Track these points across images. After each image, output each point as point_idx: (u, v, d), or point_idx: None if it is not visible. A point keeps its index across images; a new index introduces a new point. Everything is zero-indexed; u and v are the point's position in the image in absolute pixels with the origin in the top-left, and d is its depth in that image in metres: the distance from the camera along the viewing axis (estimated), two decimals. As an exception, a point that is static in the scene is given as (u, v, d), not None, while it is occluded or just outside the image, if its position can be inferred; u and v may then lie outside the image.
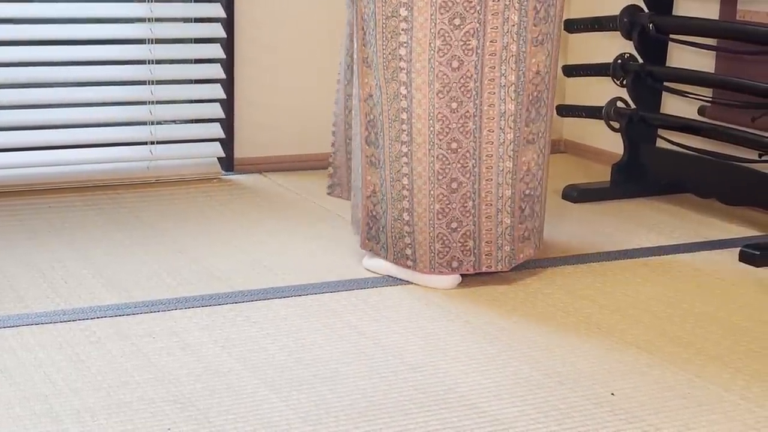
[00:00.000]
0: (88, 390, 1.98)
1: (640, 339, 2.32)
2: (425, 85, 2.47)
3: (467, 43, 2.45)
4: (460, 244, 2.55)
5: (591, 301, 2.55)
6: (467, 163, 2.52)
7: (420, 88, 2.47)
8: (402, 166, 2.53)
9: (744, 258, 2.89)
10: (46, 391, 1.98)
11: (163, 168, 3.57)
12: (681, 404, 2.01)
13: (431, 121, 2.49)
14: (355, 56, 2.59)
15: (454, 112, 2.48)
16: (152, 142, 3.55)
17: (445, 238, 2.54)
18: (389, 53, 2.48)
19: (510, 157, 2.55)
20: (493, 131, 2.52)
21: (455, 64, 2.46)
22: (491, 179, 2.54)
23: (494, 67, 2.48)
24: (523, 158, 2.58)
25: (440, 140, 2.49)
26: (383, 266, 2.67)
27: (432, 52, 2.45)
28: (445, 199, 2.52)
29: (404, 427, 1.88)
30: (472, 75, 2.47)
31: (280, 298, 2.50)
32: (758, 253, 2.87)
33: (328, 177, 2.92)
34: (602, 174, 3.70)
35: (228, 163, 3.68)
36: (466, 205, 2.53)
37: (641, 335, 2.34)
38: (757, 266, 2.85)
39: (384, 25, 2.47)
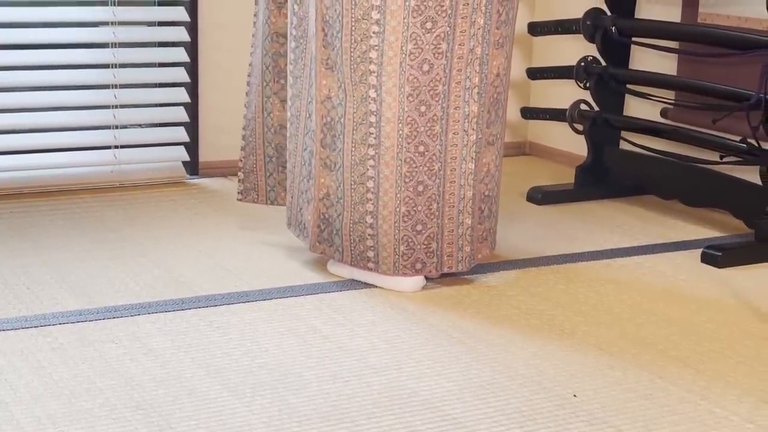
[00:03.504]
0: (49, 397, 1.97)
1: (602, 340, 2.33)
2: (396, 89, 2.47)
3: (438, 46, 2.46)
4: (424, 246, 2.56)
5: (554, 303, 2.57)
6: (434, 165, 2.52)
7: (390, 91, 2.47)
8: (367, 169, 2.53)
9: (706, 259, 2.91)
10: (7, 398, 1.96)
11: (128, 172, 3.56)
12: (642, 405, 2.02)
13: (400, 125, 2.49)
14: (311, 57, 2.58)
15: (422, 116, 2.49)
16: (116, 146, 3.54)
17: (410, 240, 2.55)
18: (358, 56, 2.47)
19: (472, 158, 2.56)
20: (457, 133, 2.53)
21: (426, 67, 2.46)
22: (454, 181, 2.55)
23: (461, 70, 2.50)
24: (483, 159, 2.60)
25: (408, 144, 2.50)
26: (348, 270, 2.67)
27: (403, 55, 2.45)
28: (411, 201, 2.53)
29: (368, 430, 1.89)
30: (441, 78, 2.48)
31: (244, 302, 2.49)
32: (720, 254, 2.89)
33: (238, 182, 2.94)
34: (566, 176, 3.71)
35: (193, 166, 3.67)
36: (431, 207, 2.54)
37: (603, 337, 2.36)
38: (719, 267, 2.87)
39: (353, 28, 2.46)
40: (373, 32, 2.45)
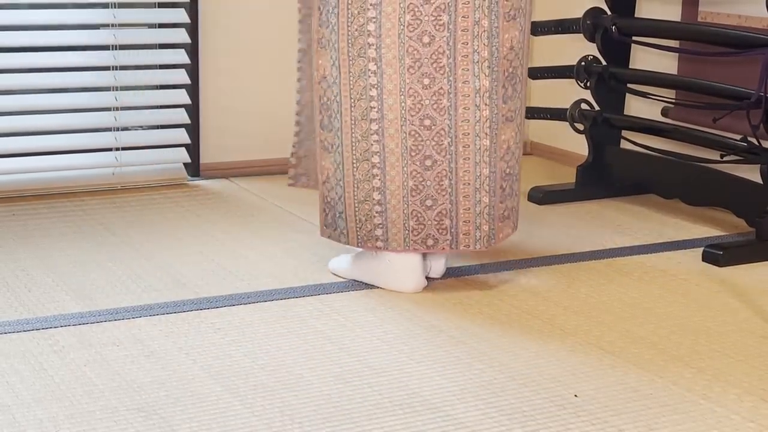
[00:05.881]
0: (51, 400, 1.97)
1: (603, 340, 2.33)
2: (396, 60, 2.46)
3: (438, 18, 2.45)
4: (435, 222, 2.55)
5: (555, 302, 2.57)
6: (442, 141, 2.51)
7: (391, 63, 2.46)
8: (371, 145, 2.51)
9: (707, 258, 2.91)
10: (8, 401, 1.97)
11: (129, 174, 3.56)
12: (643, 405, 2.02)
13: (402, 97, 2.48)
14: (311, 37, 2.58)
15: (426, 89, 2.48)
16: (117, 149, 3.54)
17: (419, 215, 2.54)
18: (356, 29, 2.46)
19: (487, 134, 2.54)
20: (468, 108, 2.52)
21: (426, 39, 2.46)
22: (468, 158, 2.54)
23: (467, 43, 2.48)
24: (502, 136, 2.58)
25: (412, 116, 2.49)
26: (348, 271, 2.67)
27: (402, 27, 2.45)
28: (418, 176, 2.52)
29: (369, 431, 1.89)
30: (444, 51, 2.47)
31: (245, 304, 2.50)
32: (721, 253, 2.89)
33: (290, 168, 2.83)
34: (567, 175, 3.72)
35: (194, 168, 3.68)
36: (441, 183, 2.53)
37: (604, 336, 2.36)
38: (720, 266, 2.87)
39: (349, 3, 2.46)
40: (371, 4, 2.44)
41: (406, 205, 2.54)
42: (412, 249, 2.56)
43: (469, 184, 2.55)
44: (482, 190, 2.56)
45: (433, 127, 2.50)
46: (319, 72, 2.56)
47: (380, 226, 2.56)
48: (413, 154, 2.51)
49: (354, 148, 2.53)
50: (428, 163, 2.52)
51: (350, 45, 2.48)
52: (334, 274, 2.70)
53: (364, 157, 2.53)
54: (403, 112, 2.49)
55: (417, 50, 2.46)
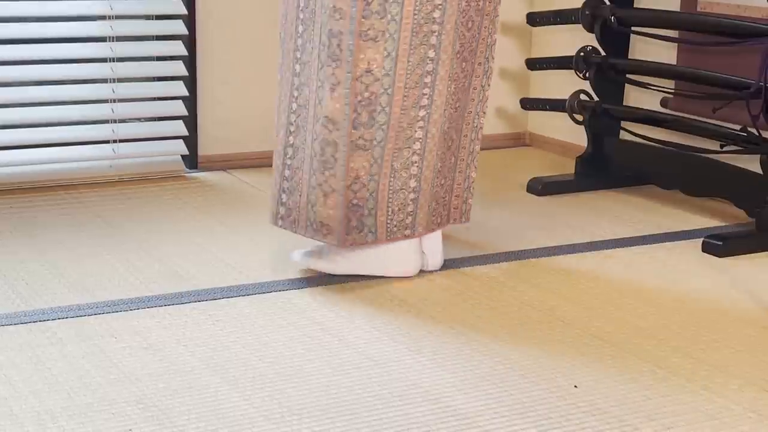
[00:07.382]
0: (48, 392, 1.97)
1: (602, 331, 2.33)
2: (450, 47, 2.49)
3: (478, 3, 2.53)
4: (443, 199, 2.60)
5: (554, 293, 2.56)
6: (459, 121, 2.58)
7: (446, 49, 2.49)
8: (415, 132, 2.50)
9: (707, 249, 2.91)
10: (5, 393, 1.96)
11: (126, 166, 3.55)
12: (643, 395, 2.01)
13: (449, 82, 2.52)
14: (347, 31, 2.41)
15: (463, 71, 2.54)
16: (115, 141, 3.53)
17: (438, 195, 2.59)
18: (422, 17, 2.44)
19: (484, 113, 2.64)
20: (476, 89, 2.60)
21: (470, 24, 2.52)
22: (467, 135, 2.61)
23: (487, 27, 2.57)
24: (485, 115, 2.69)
25: (452, 100, 2.54)
26: (334, 266, 2.60)
27: (459, 13, 2.49)
28: (443, 156, 2.57)
29: (368, 422, 1.88)
30: (475, 36, 2.54)
31: (243, 295, 2.49)
32: (721, 243, 2.88)
33: (280, 205, 2.61)
34: (566, 167, 3.71)
35: (192, 160, 3.67)
36: (450, 160, 2.59)
37: (604, 327, 2.35)
38: (720, 257, 2.87)
39: None
40: None
41: (432, 188, 2.57)
42: (431, 230, 2.60)
43: (463, 160, 2.62)
44: (472, 165, 2.65)
45: (459, 109, 2.56)
46: (361, 66, 2.41)
47: (411, 213, 2.55)
48: (445, 137, 2.56)
49: (397, 138, 2.48)
50: (449, 143, 2.57)
51: (414, 34, 2.44)
52: (325, 273, 2.63)
53: (405, 145, 2.49)
54: (448, 96, 2.53)
55: (463, 35, 2.51)
